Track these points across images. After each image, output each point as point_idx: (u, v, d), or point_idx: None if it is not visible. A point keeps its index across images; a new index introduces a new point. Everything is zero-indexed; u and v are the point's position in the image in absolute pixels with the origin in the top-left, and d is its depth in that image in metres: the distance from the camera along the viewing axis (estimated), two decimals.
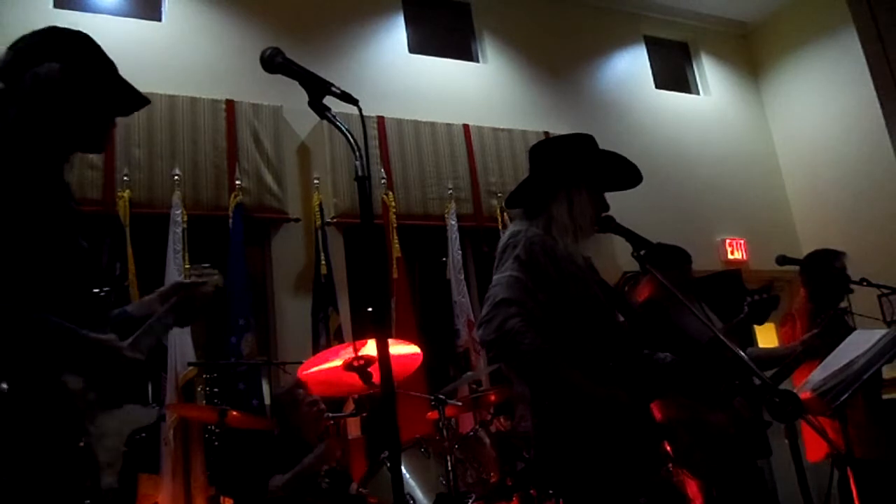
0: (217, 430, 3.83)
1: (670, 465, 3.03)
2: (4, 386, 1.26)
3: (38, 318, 1.36)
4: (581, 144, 2.29)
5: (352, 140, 1.41)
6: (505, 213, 5.25)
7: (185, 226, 4.29)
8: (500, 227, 5.23)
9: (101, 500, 1.34)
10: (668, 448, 3.01)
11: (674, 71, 7.24)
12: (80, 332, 1.43)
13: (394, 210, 4.97)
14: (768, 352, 3.64)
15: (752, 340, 4.95)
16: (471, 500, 2.88)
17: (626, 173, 2.30)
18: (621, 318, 2.21)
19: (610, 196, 2.34)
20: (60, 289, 1.46)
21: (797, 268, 3.69)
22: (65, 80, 1.50)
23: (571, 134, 2.35)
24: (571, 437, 1.97)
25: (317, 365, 3.56)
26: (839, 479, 3.11)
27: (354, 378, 3.09)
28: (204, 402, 4.11)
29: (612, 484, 1.93)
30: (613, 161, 2.28)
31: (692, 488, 3.00)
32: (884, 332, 2.71)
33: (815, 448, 3.34)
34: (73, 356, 1.39)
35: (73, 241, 1.54)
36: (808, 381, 2.62)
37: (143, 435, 1.51)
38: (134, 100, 1.66)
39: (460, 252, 5.07)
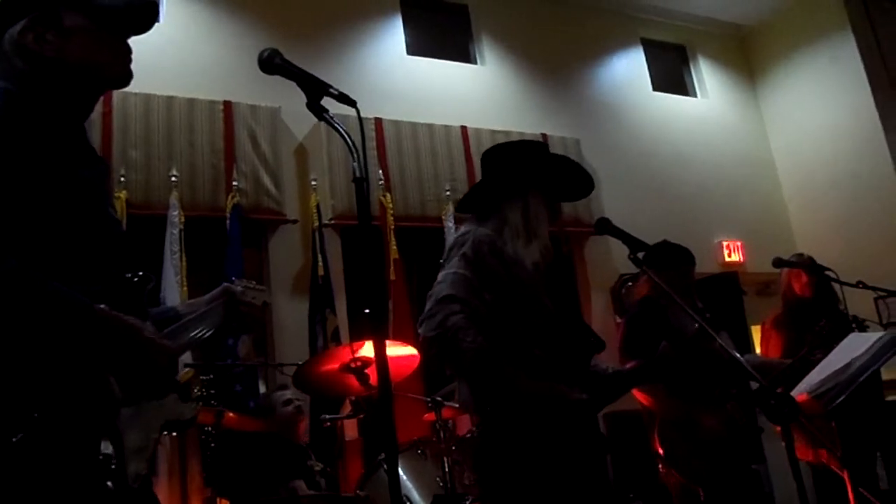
0: (213, 432, 3.82)
1: (660, 465, 3.04)
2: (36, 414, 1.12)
3: (13, 269, 1.13)
4: (534, 150, 2.28)
5: (349, 142, 1.41)
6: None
7: (182, 227, 4.28)
8: None
9: (126, 486, 1.24)
10: (659, 449, 3.02)
11: (671, 73, 7.26)
12: (92, 304, 1.20)
13: (391, 212, 4.97)
14: (763, 361, 3.64)
15: (749, 346, 4.96)
16: (468, 502, 2.88)
17: (579, 182, 2.29)
18: (571, 328, 2.17)
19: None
20: (84, 265, 1.27)
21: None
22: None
23: (524, 140, 2.33)
24: (514, 442, 1.91)
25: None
26: (835, 481, 3.12)
27: (352, 380, 3.08)
28: (200, 403, 4.11)
29: (552, 494, 1.88)
30: (568, 167, 2.27)
31: (679, 489, 3.00)
32: (880, 334, 2.72)
33: (805, 447, 3.36)
34: (84, 333, 1.18)
35: (101, 209, 1.37)
36: (804, 384, 2.63)
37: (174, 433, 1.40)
38: (140, 10, 1.50)
39: (445, 254, 5.05)
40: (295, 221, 4.86)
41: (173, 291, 4.10)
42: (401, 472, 3.02)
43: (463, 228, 2.16)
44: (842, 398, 2.48)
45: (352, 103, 1.44)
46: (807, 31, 7.02)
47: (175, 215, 4.28)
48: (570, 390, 1.93)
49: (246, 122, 4.79)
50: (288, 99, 4.59)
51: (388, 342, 2.89)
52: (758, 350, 4.11)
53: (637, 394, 3.09)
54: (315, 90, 1.46)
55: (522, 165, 2.19)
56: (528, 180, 2.17)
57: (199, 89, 4.75)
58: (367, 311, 1.54)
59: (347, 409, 3.87)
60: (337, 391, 3.48)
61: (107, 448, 1.21)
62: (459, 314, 1.90)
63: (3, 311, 1.13)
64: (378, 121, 5.20)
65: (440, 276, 2.04)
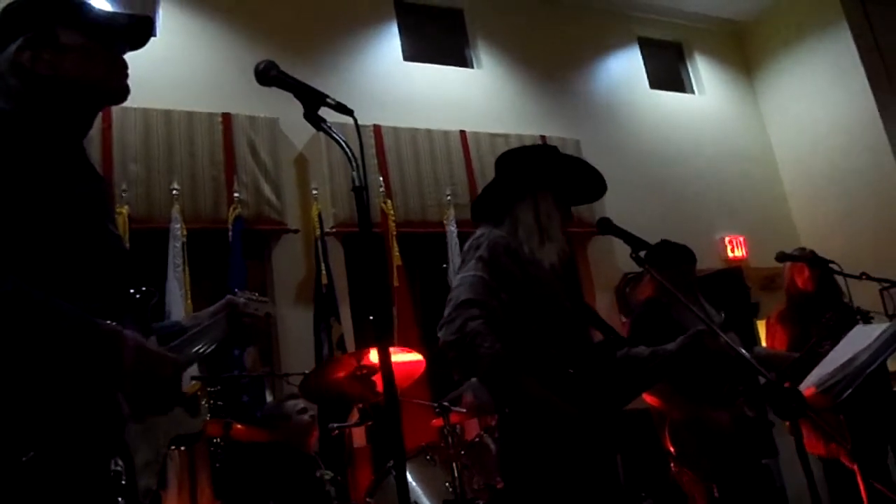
0: (222, 444, 3.82)
1: (673, 464, 3.03)
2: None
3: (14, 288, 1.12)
4: (544, 153, 2.31)
5: (348, 151, 1.41)
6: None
7: (184, 240, 4.29)
8: None
9: (136, 501, 1.24)
10: (671, 448, 3.01)
11: (668, 71, 7.26)
12: (98, 322, 1.19)
13: (393, 218, 4.97)
14: (771, 353, 3.63)
15: (756, 342, 4.94)
16: None
17: (591, 184, 2.31)
18: (592, 327, 2.19)
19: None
20: (84, 283, 1.25)
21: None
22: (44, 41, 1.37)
23: (535, 145, 2.37)
24: (532, 442, 1.93)
25: None
26: (846, 475, 3.10)
27: (358, 387, 3.08)
28: (208, 415, 4.10)
29: (572, 492, 1.89)
30: (579, 168, 2.29)
31: (692, 487, 2.99)
32: (885, 326, 2.71)
33: (816, 441, 3.35)
34: (82, 350, 1.16)
35: (101, 226, 1.35)
36: (811, 378, 2.62)
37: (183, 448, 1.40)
38: (135, 25, 1.51)
39: (460, 258, 5.06)
40: (297, 231, 4.87)
41: (178, 305, 4.10)
42: (410, 478, 3.02)
43: (478, 232, 2.18)
44: (849, 391, 2.47)
45: (348, 112, 1.44)
46: (803, 25, 7.02)
47: (177, 228, 4.29)
48: (574, 409, 1.93)
49: (245, 133, 4.80)
50: (287, 109, 4.59)
51: (392, 349, 2.89)
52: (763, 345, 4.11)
53: (645, 396, 3.09)
54: (312, 101, 1.46)
55: (531, 166, 2.22)
56: (536, 181, 2.20)
57: (198, 102, 4.77)
58: (371, 318, 1.53)
59: (355, 416, 3.86)
60: (344, 399, 3.48)
61: (117, 464, 1.21)
62: (478, 319, 1.91)
63: (5, 331, 1.12)
64: (377, 128, 5.21)
65: (457, 279, 2.06)
